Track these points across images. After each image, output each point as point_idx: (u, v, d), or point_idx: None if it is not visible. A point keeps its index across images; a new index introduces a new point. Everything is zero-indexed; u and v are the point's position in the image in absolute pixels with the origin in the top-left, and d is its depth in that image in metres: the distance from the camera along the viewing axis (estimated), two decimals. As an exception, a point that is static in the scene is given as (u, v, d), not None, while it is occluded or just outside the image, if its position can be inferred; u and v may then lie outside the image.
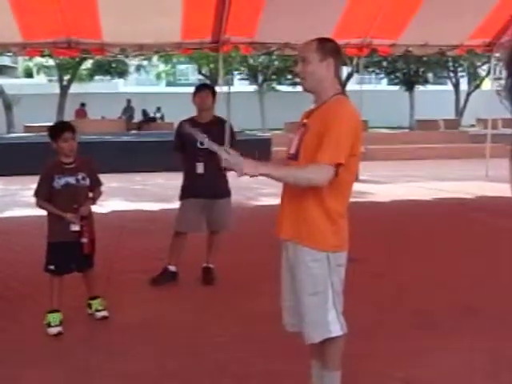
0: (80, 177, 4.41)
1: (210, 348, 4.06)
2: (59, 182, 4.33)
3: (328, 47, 2.95)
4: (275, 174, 2.82)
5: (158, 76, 39.48)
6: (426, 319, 4.54)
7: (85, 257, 4.47)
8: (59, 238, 4.38)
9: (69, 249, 4.37)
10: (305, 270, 2.92)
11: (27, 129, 22.52)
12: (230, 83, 24.97)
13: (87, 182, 4.46)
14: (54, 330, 4.29)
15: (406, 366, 3.76)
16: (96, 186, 4.59)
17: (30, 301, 5.00)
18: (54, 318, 4.34)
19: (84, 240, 4.40)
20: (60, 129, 4.42)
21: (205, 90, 5.46)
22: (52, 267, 4.40)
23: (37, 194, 4.40)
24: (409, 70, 31.27)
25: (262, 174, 2.76)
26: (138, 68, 35.68)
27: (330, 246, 2.92)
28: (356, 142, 2.86)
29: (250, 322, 4.48)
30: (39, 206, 4.43)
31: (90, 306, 4.65)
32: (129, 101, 26.08)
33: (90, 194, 4.54)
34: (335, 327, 2.96)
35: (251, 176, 2.74)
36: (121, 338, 4.27)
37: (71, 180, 4.37)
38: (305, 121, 2.98)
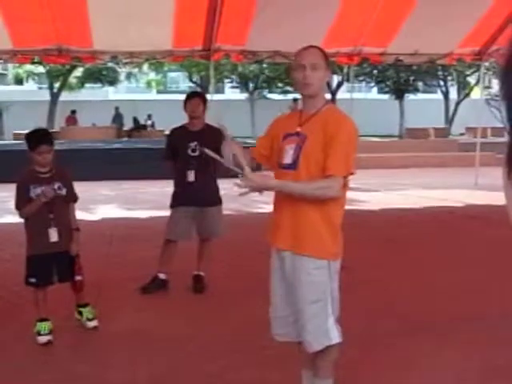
0: (56, 186, 4.30)
1: (201, 357, 4.04)
2: (35, 191, 4.22)
3: (326, 55, 3.01)
4: (289, 190, 2.90)
5: (149, 84, 39.48)
6: (415, 327, 4.54)
7: (67, 268, 4.39)
8: (39, 250, 4.30)
9: (49, 260, 4.30)
10: (306, 278, 2.92)
11: (16, 136, 22.43)
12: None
13: (63, 191, 4.35)
14: (43, 339, 4.26)
15: (397, 375, 3.75)
16: (71, 200, 4.46)
17: (19, 309, 4.96)
18: (44, 326, 4.30)
19: (78, 278, 4.41)
20: (36, 140, 4.26)
21: (195, 97, 5.46)
22: (33, 280, 4.32)
23: (18, 206, 4.29)
24: (399, 79, 31.43)
25: (273, 189, 2.89)
26: (129, 76, 35.69)
27: (331, 254, 2.94)
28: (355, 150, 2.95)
29: (242, 331, 4.47)
30: (22, 216, 4.32)
31: (80, 313, 4.61)
32: (117, 108, 26.04)
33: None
34: (334, 334, 2.97)
35: (261, 191, 2.84)
36: (110, 347, 4.25)
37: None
38: (298, 129, 2.97)
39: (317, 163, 2.85)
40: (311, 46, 3.00)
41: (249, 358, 3.99)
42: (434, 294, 5.39)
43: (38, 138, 4.31)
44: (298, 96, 25.67)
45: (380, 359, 3.95)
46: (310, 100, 2.99)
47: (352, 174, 2.89)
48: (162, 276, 5.48)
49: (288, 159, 2.96)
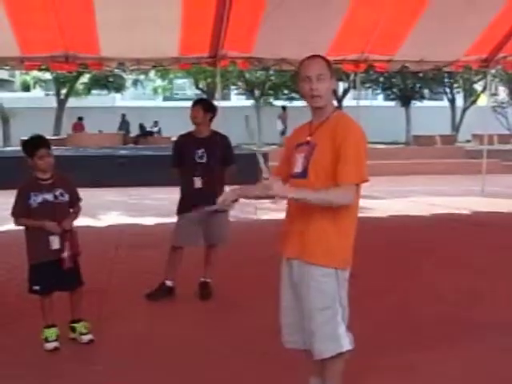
0: (58, 193, 4.26)
1: (207, 363, 4.03)
2: (36, 199, 4.19)
3: (330, 64, 3.01)
4: (303, 197, 2.85)
5: (155, 91, 39.58)
6: (423, 334, 4.53)
7: (68, 276, 4.30)
8: (41, 258, 4.24)
9: (51, 268, 4.23)
10: (314, 285, 2.92)
11: (23, 143, 22.49)
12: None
13: (66, 197, 4.30)
14: (50, 346, 4.25)
15: (405, 381, 3.74)
16: (76, 201, 4.43)
17: (25, 316, 4.95)
18: (51, 333, 4.29)
19: (64, 255, 4.21)
20: (34, 145, 4.25)
21: (196, 105, 5.49)
22: (37, 288, 4.28)
23: (14, 213, 4.25)
24: (405, 86, 31.41)
25: (291, 198, 2.86)
26: (135, 82, 35.79)
27: (339, 262, 2.94)
28: None
29: (247, 337, 4.46)
30: (18, 224, 4.28)
31: (73, 329, 4.45)
32: (123, 115, 26.15)
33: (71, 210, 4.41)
34: (345, 341, 2.97)
35: (280, 198, 2.79)
36: (117, 353, 4.24)
37: (49, 197, 4.21)
38: (308, 138, 2.99)
39: (326, 170, 2.85)
40: (314, 56, 3.01)
41: (255, 364, 3.98)
42: (440, 301, 5.36)
43: (35, 143, 4.30)
44: (286, 104, 25.76)
45: (387, 367, 3.93)
46: (319, 110, 3.00)
47: (366, 181, 2.88)
48: (168, 283, 5.47)
49: (298, 168, 2.98)
